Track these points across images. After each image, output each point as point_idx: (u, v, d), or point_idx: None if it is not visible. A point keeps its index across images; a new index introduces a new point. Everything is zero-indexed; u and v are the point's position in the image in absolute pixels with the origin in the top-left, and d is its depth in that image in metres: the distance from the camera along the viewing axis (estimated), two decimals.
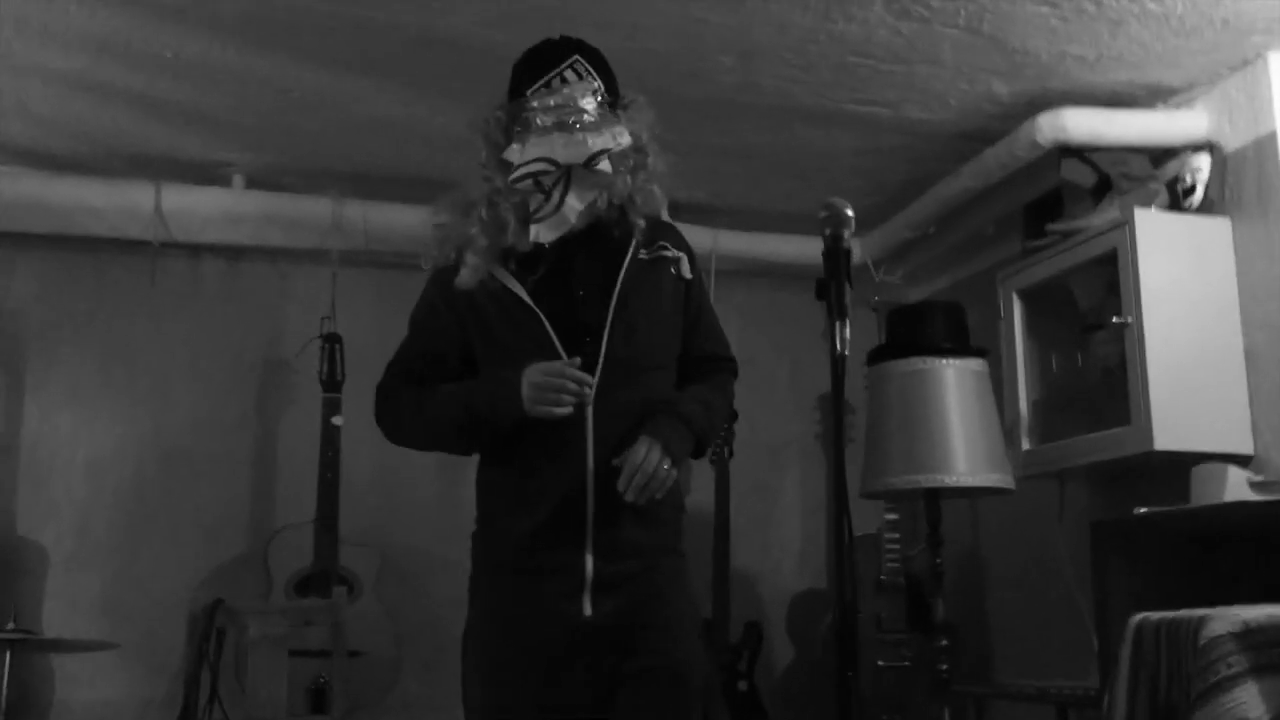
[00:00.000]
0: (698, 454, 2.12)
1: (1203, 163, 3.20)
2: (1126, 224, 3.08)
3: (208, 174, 3.85)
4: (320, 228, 3.86)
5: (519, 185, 1.99)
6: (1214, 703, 1.65)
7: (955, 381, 2.98)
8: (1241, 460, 2.92)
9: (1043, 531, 3.63)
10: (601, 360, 2.00)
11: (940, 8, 2.81)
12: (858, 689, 1.69)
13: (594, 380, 1.97)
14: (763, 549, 4.44)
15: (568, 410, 1.93)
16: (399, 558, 3.95)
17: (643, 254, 2.08)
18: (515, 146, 2.00)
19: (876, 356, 3.13)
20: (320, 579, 3.63)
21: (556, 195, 1.99)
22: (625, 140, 2.00)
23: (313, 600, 3.53)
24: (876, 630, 3.94)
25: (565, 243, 2.04)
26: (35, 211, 3.68)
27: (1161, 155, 3.33)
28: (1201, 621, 1.71)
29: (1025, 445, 3.41)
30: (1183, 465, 2.87)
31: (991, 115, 3.44)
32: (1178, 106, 3.32)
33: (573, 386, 1.94)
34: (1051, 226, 3.38)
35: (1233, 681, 1.66)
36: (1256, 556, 2.19)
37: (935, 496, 3.03)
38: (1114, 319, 3.06)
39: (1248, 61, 3.10)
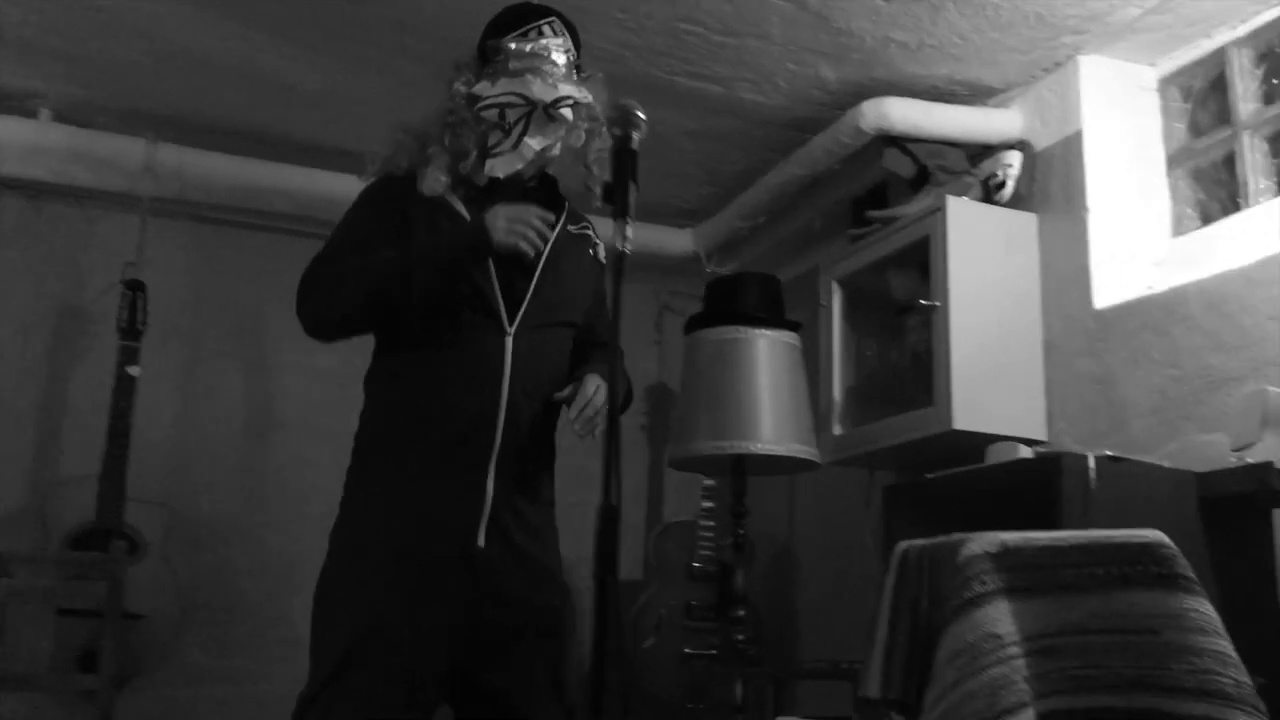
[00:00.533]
0: (623, 408, 2.17)
1: (1014, 159, 3.29)
2: (939, 210, 3.14)
3: (14, 106, 3.63)
4: (131, 170, 3.68)
5: (484, 114, 2.07)
6: (966, 618, 1.65)
7: (767, 351, 2.98)
8: (1035, 445, 2.98)
9: (851, 517, 3.66)
10: (529, 297, 2.06)
11: None
12: (616, 597, 1.63)
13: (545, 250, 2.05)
14: (575, 537, 4.36)
15: (532, 251, 2.00)
16: (192, 520, 3.77)
17: (571, 227, 2.19)
18: (485, 84, 2.09)
19: (692, 325, 3.11)
20: (100, 536, 3.42)
21: (516, 133, 2.08)
22: (588, 97, 2.11)
23: (88, 554, 3.31)
24: (686, 618, 3.90)
25: (508, 192, 2.09)
26: None
27: (979, 152, 3.43)
28: (961, 542, 1.71)
29: (837, 430, 3.44)
30: (981, 448, 2.92)
31: (821, 104, 3.50)
32: (995, 106, 3.42)
33: (539, 225, 2.00)
34: (871, 214, 3.44)
35: (986, 599, 1.66)
36: (1042, 510, 2.23)
37: (742, 467, 3.02)
38: (922, 301, 3.11)
39: (1059, 63, 3.21)
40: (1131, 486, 2.22)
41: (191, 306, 3.97)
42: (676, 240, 4.38)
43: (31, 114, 3.64)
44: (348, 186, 3.82)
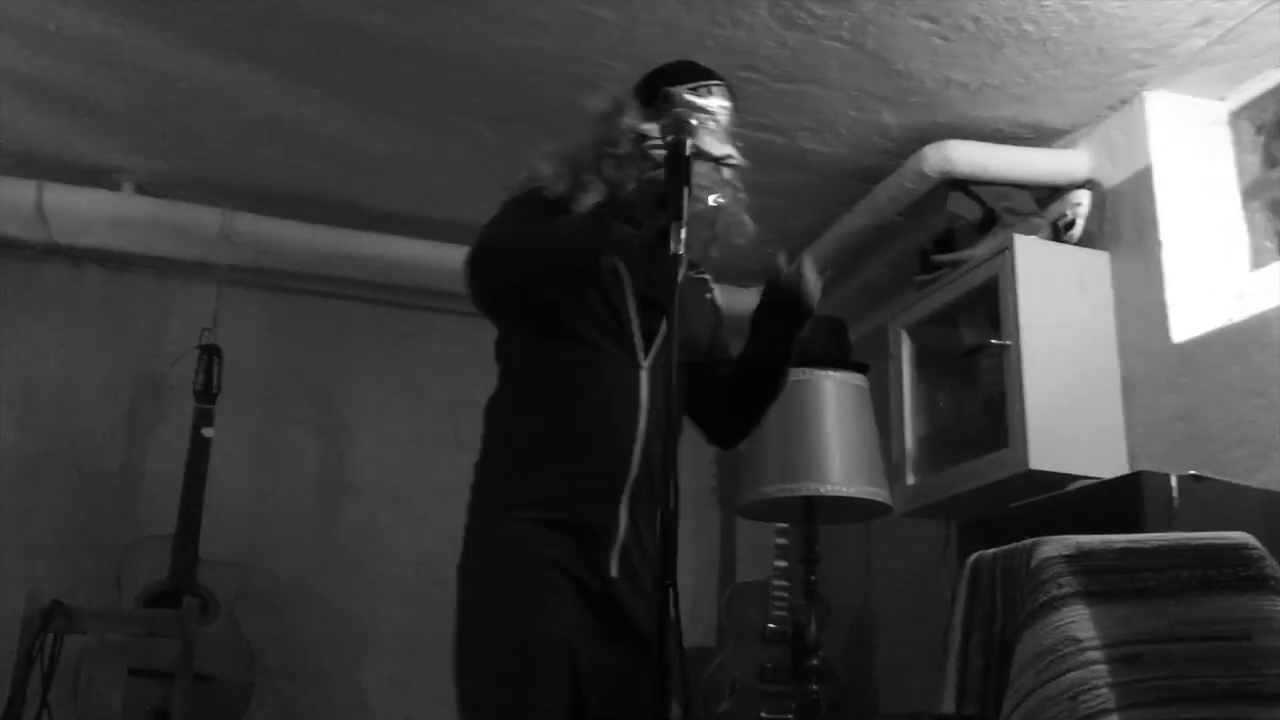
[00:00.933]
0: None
1: (1083, 198, 3.25)
2: (1007, 250, 3.10)
3: (99, 179, 3.77)
4: (208, 238, 3.79)
5: (652, 153, 2.00)
6: (1042, 622, 1.57)
7: (835, 393, 2.94)
8: None
9: (930, 572, 3.56)
10: (661, 334, 2.03)
11: (825, 16, 2.86)
12: (677, 603, 1.58)
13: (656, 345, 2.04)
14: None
15: None
16: (264, 584, 3.78)
17: (691, 272, 2.19)
18: (652, 125, 2.05)
19: None
20: (173, 595, 3.44)
21: None
22: (745, 164, 2.11)
23: (160, 610, 3.32)
24: (760, 681, 3.80)
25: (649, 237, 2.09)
26: None
27: (1046, 195, 3.38)
28: (1034, 545, 1.64)
29: (911, 480, 3.36)
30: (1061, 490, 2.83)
31: (884, 151, 3.49)
32: (1062, 148, 3.39)
33: None
34: (937, 258, 3.40)
35: (1063, 601, 1.59)
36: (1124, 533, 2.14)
37: (812, 511, 2.95)
38: (993, 341, 3.05)
39: (1125, 100, 3.18)
40: (1216, 506, 2.12)
41: (266, 372, 4.03)
42: (747, 300, 4.33)
43: (115, 187, 3.78)
44: (418, 252, 3.98)
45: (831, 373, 2.96)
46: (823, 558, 3.31)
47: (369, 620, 3.96)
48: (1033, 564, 1.62)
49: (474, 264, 2.03)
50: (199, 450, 3.57)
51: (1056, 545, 1.62)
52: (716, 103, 2.13)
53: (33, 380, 3.81)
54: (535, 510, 1.97)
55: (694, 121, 1.85)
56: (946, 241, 3.67)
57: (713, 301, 2.29)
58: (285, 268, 3.95)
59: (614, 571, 1.95)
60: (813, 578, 2.97)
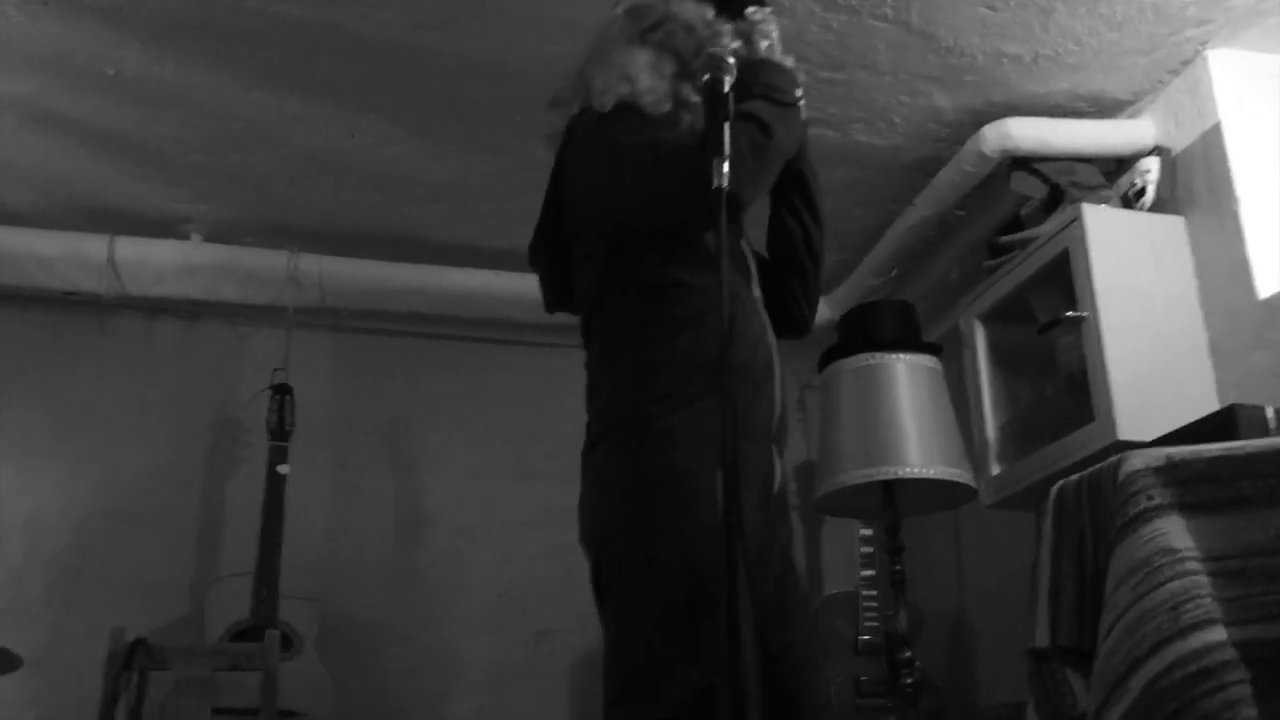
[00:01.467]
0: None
1: (1152, 164, 3.15)
2: (1076, 220, 3.00)
3: (167, 230, 3.85)
4: (276, 281, 3.84)
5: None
6: (1134, 535, 1.47)
7: (907, 376, 2.85)
8: None
9: (1027, 569, 3.41)
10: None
11: None
12: (743, 546, 1.51)
13: None
14: None
15: None
16: (345, 619, 3.76)
17: None
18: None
19: (826, 359, 3.01)
20: (256, 632, 3.42)
21: None
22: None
23: (243, 644, 3.31)
24: (857, 695, 3.66)
25: None
26: None
27: (1112, 169, 3.29)
28: (1120, 460, 1.55)
29: (995, 470, 3.24)
30: None
31: (939, 139, 3.43)
32: (1126, 118, 3.30)
33: None
34: (1003, 239, 3.31)
35: (1155, 513, 1.49)
36: None
37: (893, 498, 2.85)
38: (1069, 314, 2.95)
39: (1187, 61, 3.09)
40: None
41: (337, 409, 4.06)
42: None
43: (184, 236, 3.86)
44: (481, 282, 3.99)
45: (903, 355, 2.87)
46: (911, 563, 3.20)
47: (451, 653, 3.91)
48: (1120, 479, 1.53)
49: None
50: (275, 487, 3.59)
51: (1144, 457, 1.53)
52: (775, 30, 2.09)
53: (112, 430, 3.87)
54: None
55: (730, 60, 1.82)
56: (1013, 229, 3.59)
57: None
58: (351, 305, 3.99)
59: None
60: (898, 567, 2.86)
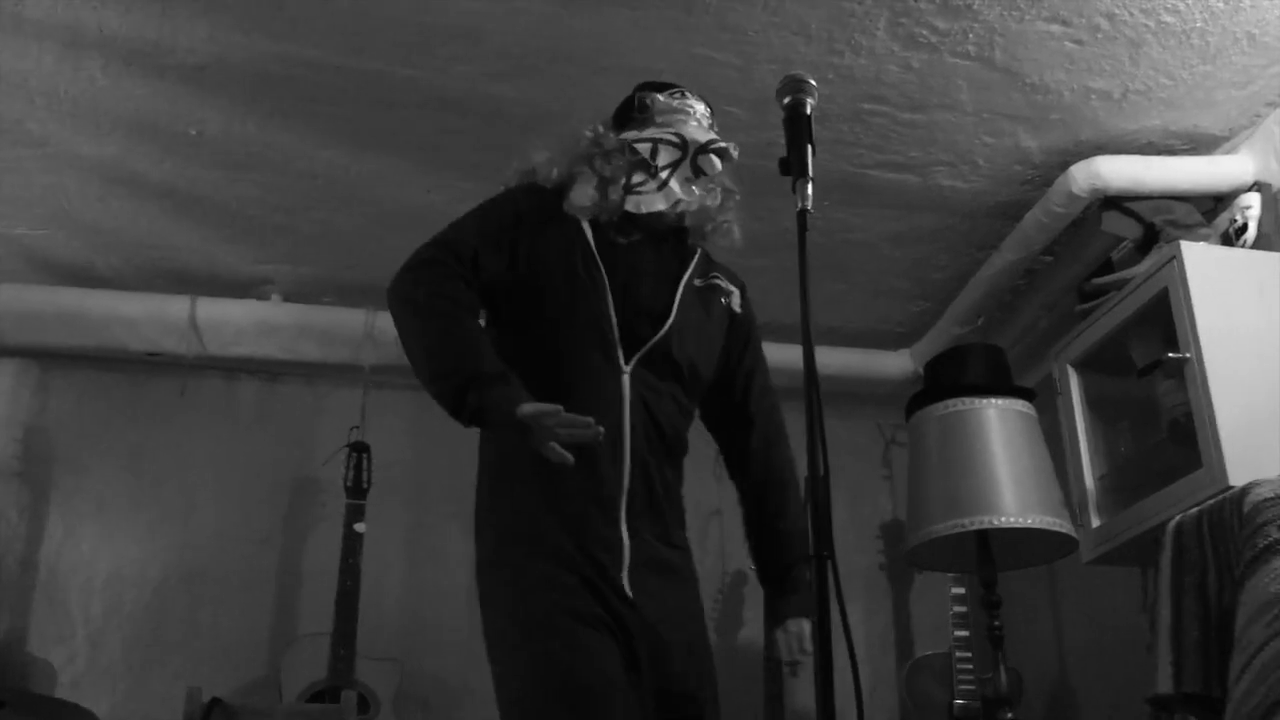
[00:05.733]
0: None
1: (1253, 200, 3.03)
2: (1174, 259, 2.88)
3: (247, 290, 3.89)
4: (353, 340, 3.85)
5: (638, 147, 2.08)
6: (1265, 568, 1.35)
7: (998, 421, 2.74)
8: None
9: (1133, 629, 3.24)
10: (650, 347, 2.00)
11: (947, 30, 2.76)
12: (835, 573, 1.43)
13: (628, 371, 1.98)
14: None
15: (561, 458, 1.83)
16: (422, 682, 3.69)
17: (698, 280, 2.15)
18: (633, 131, 2.13)
19: (913, 406, 2.90)
20: (333, 693, 3.37)
21: (663, 175, 2.07)
22: (736, 150, 2.12)
23: (319, 705, 3.26)
24: None
25: (637, 240, 2.10)
26: (72, 326, 3.73)
27: (1209, 209, 3.17)
28: (1244, 491, 1.44)
29: (1095, 523, 3.08)
30: None
31: (1025, 182, 3.34)
32: (1222, 154, 3.18)
33: (568, 431, 1.82)
34: (1095, 281, 3.19)
35: None
36: None
37: (988, 549, 2.72)
38: (1170, 355, 2.81)
39: None
40: None
41: (414, 467, 4.02)
42: (894, 363, 4.20)
43: (264, 297, 3.89)
44: None
45: (994, 400, 2.76)
46: (1008, 624, 3.05)
47: None
48: (1245, 509, 1.42)
49: (397, 278, 2.07)
50: (352, 545, 3.55)
51: (1272, 485, 1.42)
52: (694, 103, 2.17)
53: (192, 490, 3.88)
54: (540, 535, 1.92)
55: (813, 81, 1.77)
56: (1104, 274, 3.46)
57: (728, 310, 2.19)
58: None
59: (628, 590, 1.90)
60: (996, 623, 2.72)
